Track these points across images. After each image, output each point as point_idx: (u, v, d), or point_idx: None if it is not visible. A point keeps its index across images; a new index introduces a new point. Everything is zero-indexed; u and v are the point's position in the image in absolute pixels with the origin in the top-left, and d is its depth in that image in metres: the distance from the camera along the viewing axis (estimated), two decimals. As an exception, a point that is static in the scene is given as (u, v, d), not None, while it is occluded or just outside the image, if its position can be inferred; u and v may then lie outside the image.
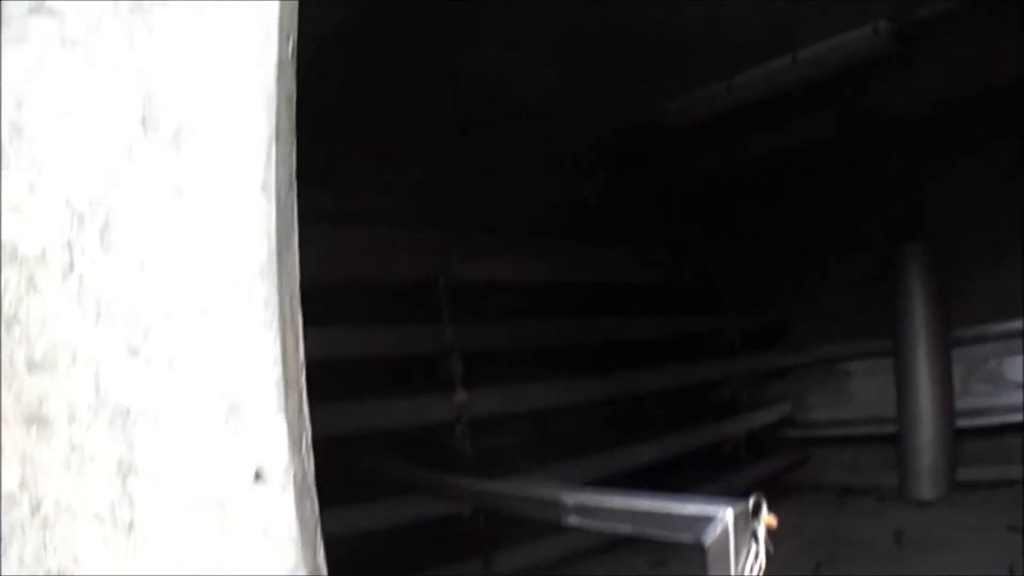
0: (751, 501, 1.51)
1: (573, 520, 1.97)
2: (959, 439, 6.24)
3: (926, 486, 6.10)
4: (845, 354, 6.91)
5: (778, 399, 7.04)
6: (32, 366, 1.18)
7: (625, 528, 1.83)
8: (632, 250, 5.88)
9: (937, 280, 6.16)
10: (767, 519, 1.50)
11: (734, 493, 5.30)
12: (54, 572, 1.17)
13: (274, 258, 1.26)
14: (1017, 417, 6.07)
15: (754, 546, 1.48)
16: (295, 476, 1.24)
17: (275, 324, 1.25)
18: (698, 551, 1.52)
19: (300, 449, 1.28)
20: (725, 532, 1.44)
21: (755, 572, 1.47)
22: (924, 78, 4.93)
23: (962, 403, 6.30)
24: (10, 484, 1.17)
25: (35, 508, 1.17)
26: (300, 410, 1.31)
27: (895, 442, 6.29)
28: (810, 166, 6.17)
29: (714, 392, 6.72)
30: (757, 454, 6.64)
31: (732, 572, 1.45)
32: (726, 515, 1.47)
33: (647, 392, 5.87)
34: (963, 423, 6.24)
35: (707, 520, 1.48)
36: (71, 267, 1.20)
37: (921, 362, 6.12)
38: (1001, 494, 5.83)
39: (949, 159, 6.19)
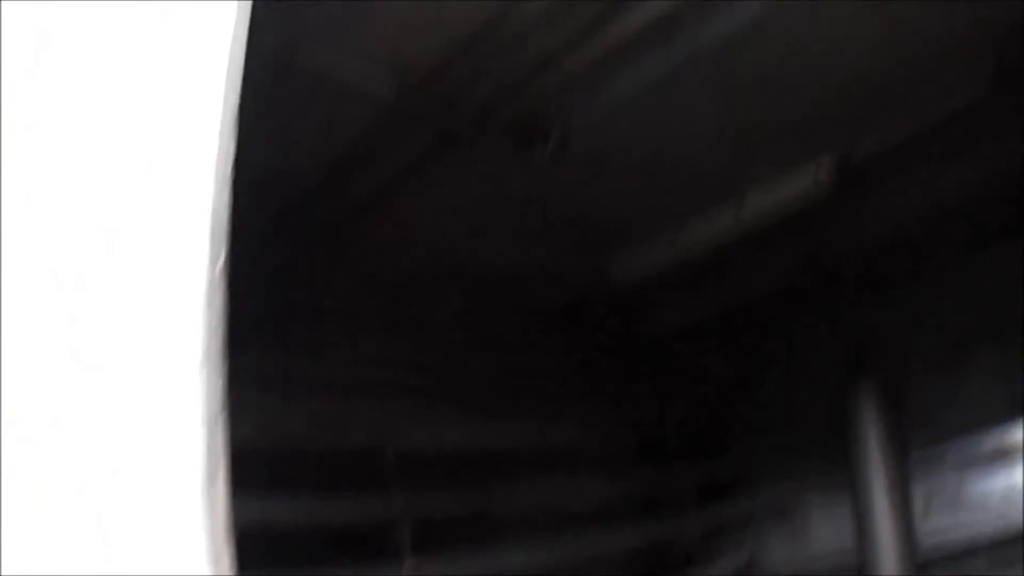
0: None
1: None
2: (924, 568, 6.14)
3: None
4: (803, 494, 6.83)
5: (736, 544, 6.88)
6: None
7: None
8: (583, 411, 5.85)
9: (891, 410, 6.17)
10: None
11: None
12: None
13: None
14: (982, 537, 6.08)
15: None
16: None
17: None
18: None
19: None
20: None
21: None
22: (871, 212, 5.04)
23: (924, 528, 6.25)
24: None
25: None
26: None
27: None
28: (759, 310, 6.25)
29: (670, 550, 6.48)
30: None
31: None
32: None
33: (600, 554, 5.70)
34: (928, 550, 6.17)
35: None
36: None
37: (879, 493, 6.06)
38: None
39: (898, 284, 6.33)
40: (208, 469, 1.14)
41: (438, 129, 3.44)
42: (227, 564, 1.11)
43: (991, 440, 6.24)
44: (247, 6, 1.28)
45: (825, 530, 6.67)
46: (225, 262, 1.22)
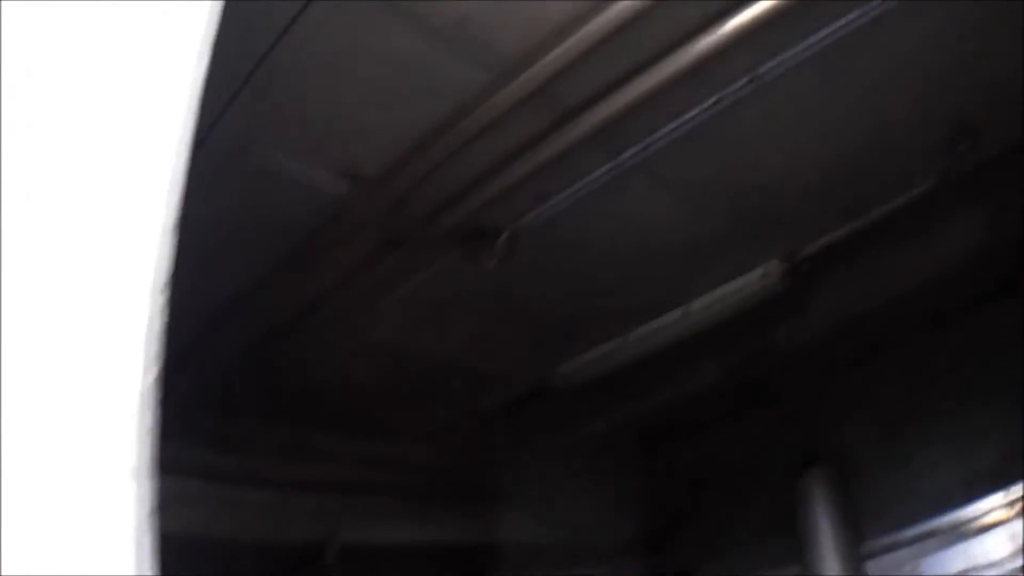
0: None
1: None
2: None
3: None
4: None
5: None
6: None
7: None
8: (531, 507, 5.78)
9: (842, 500, 6.22)
10: None
11: None
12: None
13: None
14: None
15: None
16: None
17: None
18: None
19: None
20: None
21: None
22: (816, 307, 5.11)
23: None
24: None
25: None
26: None
27: None
28: (706, 407, 6.29)
29: None
30: None
31: None
32: None
33: None
34: None
35: None
36: None
37: None
38: None
39: (845, 375, 6.44)
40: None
41: (386, 231, 3.47)
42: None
43: (946, 521, 6.27)
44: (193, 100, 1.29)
45: None
46: (158, 375, 1.21)
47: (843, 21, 2.97)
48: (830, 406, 6.60)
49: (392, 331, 4.29)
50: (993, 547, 6.22)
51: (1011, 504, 6.18)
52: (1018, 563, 5.97)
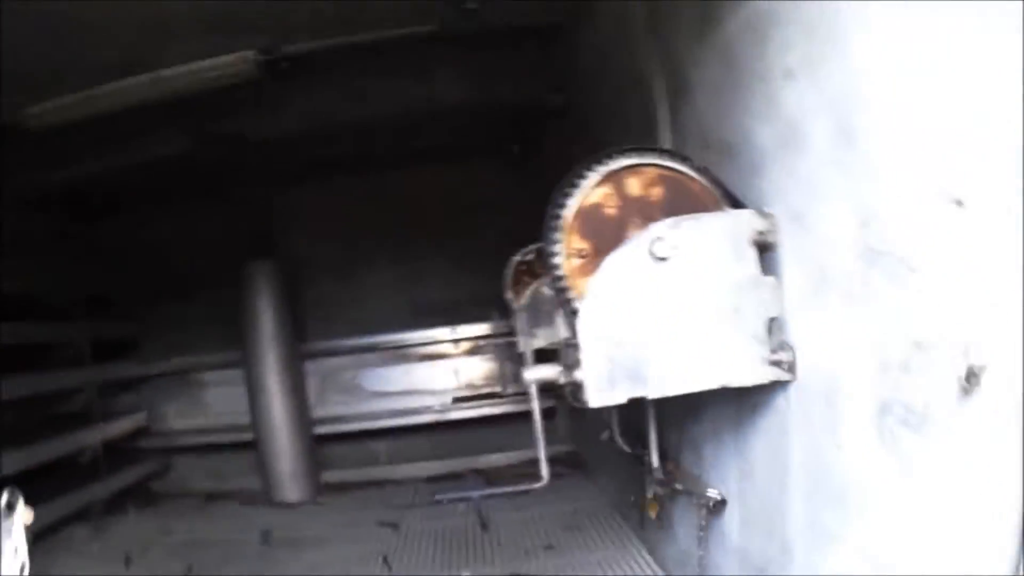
0: (4, 498, 1.62)
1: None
2: (320, 444, 6.79)
3: (290, 489, 6.48)
4: (198, 365, 7.13)
5: (133, 409, 6.97)
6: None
7: None
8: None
9: (287, 296, 6.60)
10: (25, 514, 1.64)
11: (96, 503, 5.37)
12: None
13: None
14: (374, 423, 6.96)
15: (11, 540, 1.59)
16: None
17: None
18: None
19: None
20: None
21: (17, 560, 1.56)
22: (293, 106, 5.27)
23: (320, 411, 6.96)
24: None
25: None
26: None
27: (256, 448, 6.55)
28: (167, 181, 6.32)
29: (67, 402, 6.35)
30: (117, 464, 6.39)
31: None
32: None
33: None
34: (323, 430, 6.84)
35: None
36: None
37: (272, 373, 6.46)
38: (370, 493, 6.55)
39: (304, 181, 6.87)
40: None
41: None
42: None
43: (389, 340, 7.17)
44: None
45: (221, 403, 7.08)
46: None
47: None
48: (291, 208, 7.08)
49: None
50: (438, 375, 7.31)
51: (456, 342, 7.27)
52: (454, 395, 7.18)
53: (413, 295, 7.16)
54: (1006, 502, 1.45)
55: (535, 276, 4.67)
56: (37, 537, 4.72)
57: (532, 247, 4.70)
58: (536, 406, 4.20)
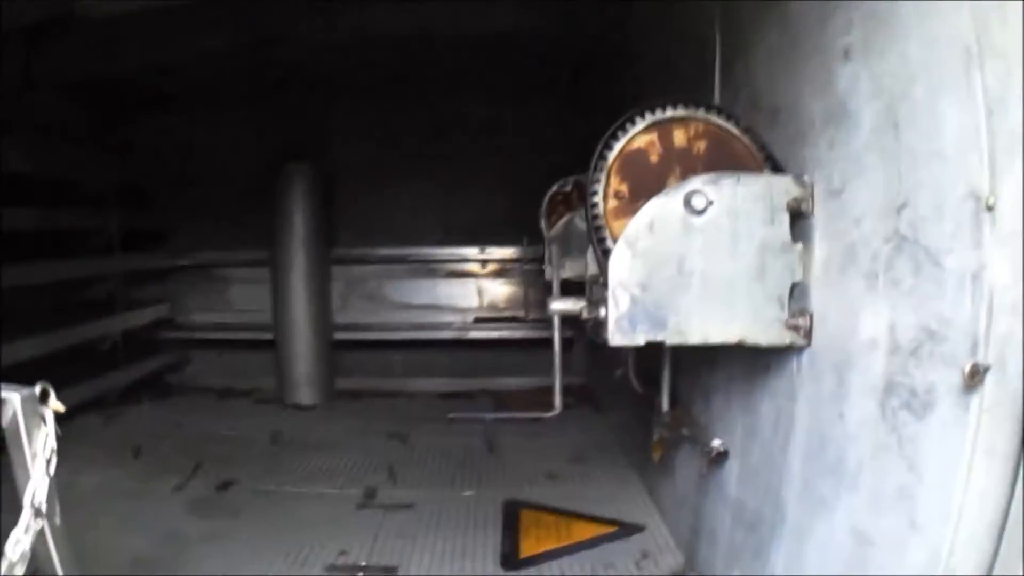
0: (38, 388, 1.67)
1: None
2: (338, 350, 6.93)
3: (304, 392, 6.63)
4: (224, 261, 7.23)
5: (156, 300, 7.10)
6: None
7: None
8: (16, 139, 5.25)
9: (319, 200, 6.67)
10: (54, 405, 1.68)
11: (112, 392, 5.56)
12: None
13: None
14: (394, 334, 7.06)
15: (43, 427, 1.66)
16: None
17: None
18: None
19: None
20: (15, 415, 1.60)
21: (47, 449, 1.65)
22: (345, 16, 5.29)
23: (342, 318, 7.05)
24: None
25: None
26: None
27: (274, 349, 6.69)
28: (210, 80, 6.33)
29: (91, 290, 6.48)
30: (136, 354, 6.58)
31: (26, 450, 1.62)
32: (15, 400, 1.62)
33: (18, 287, 5.19)
34: (342, 336, 6.97)
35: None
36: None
37: (298, 274, 6.57)
38: (382, 404, 6.68)
39: (349, 91, 6.84)
40: None
41: None
42: None
43: (419, 254, 7.27)
44: None
45: (244, 300, 7.17)
46: None
47: None
48: (333, 117, 7.08)
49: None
50: (462, 293, 7.37)
51: (483, 263, 7.33)
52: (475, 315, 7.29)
53: (447, 214, 7.21)
54: (990, 501, 1.52)
55: (570, 208, 4.71)
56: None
57: (570, 179, 4.72)
58: (558, 337, 4.27)
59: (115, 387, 6.11)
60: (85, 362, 5.84)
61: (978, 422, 1.57)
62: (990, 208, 1.52)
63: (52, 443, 1.66)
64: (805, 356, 2.45)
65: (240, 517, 4.23)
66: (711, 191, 2.42)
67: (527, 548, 3.87)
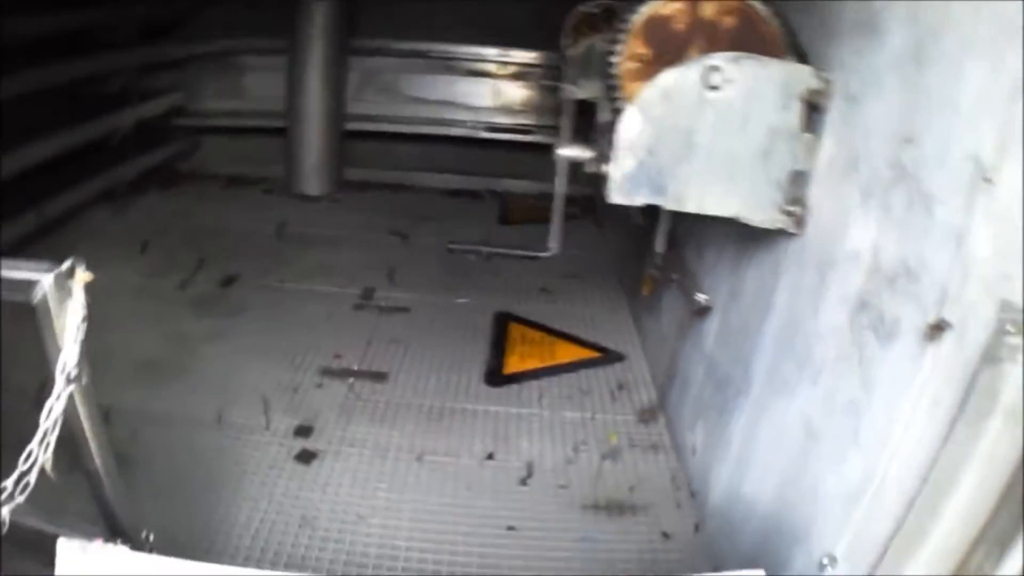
0: (67, 265, 1.69)
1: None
2: (348, 140, 6.91)
3: (312, 182, 6.72)
4: (241, 48, 7.04)
5: (170, 89, 6.92)
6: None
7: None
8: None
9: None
10: (83, 276, 1.71)
11: (122, 184, 5.59)
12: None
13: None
14: (405, 127, 6.99)
15: (72, 302, 1.70)
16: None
17: None
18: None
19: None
20: (45, 295, 1.64)
21: (77, 324, 1.69)
22: None
23: (355, 108, 6.95)
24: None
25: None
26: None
27: (285, 136, 6.73)
28: None
29: (104, 84, 6.25)
30: (148, 144, 6.48)
31: (55, 324, 1.67)
32: (45, 280, 1.65)
33: (35, 86, 5.04)
34: (354, 126, 6.92)
35: (31, 284, 1.65)
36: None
37: (315, 62, 6.48)
38: (387, 196, 6.81)
39: None
40: None
41: None
42: None
43: (435, 49, 7.01)
44: None
45: (259, 88, 7.00)
46: None
47: None
48: None
49: None
50: (479, 92, 7.17)
51: (504, 64, 7.11)
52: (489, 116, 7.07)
53: (471, 12, 6.88)
54: (923, 449, 1.66)
55: (595, 30, 4.61)
56: (57, 223, 4.97)
57: (600, 1, 4.59)
58: (562, 182, 4.30)
59: (126, 178, 6.07)
60: (97, 154, 5.79)
61: (931, 371, 1.68)
62: (987, 181, 1.55)
63: (82, 313, 1.69)
64: (794, 244, 2.54)
65: (241, 316, 4.45)
66: (731, 69, 2.40)
67: (511, 365, 4.13)
